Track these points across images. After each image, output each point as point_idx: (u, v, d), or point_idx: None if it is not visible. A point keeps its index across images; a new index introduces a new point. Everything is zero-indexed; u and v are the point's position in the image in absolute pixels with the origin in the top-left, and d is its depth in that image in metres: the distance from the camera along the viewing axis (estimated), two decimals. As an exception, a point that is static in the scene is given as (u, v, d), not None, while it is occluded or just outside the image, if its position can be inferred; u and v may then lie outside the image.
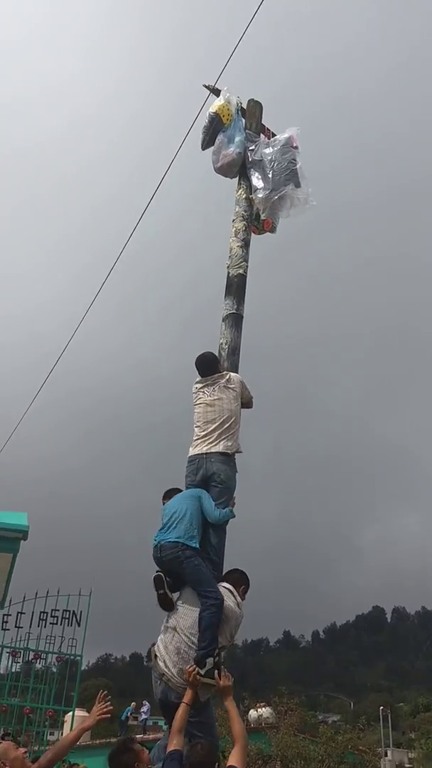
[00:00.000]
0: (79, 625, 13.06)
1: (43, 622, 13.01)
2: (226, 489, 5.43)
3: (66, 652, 13.16)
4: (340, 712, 66.52)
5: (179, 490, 5.58)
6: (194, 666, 4.60)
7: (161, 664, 4.80)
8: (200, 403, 5.74)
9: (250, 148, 6.94)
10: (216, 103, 7.10)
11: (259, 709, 23.25)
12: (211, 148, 7.09)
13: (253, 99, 7.44)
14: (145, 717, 26.90)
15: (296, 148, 6.95)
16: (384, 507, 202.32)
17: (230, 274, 6.60)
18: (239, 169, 7.02)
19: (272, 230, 7.11)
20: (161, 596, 5.02)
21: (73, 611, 13.08)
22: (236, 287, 6.53)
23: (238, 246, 6.68)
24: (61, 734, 14.02)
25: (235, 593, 5.06)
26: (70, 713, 13.46)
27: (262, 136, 7.16)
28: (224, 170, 7.04)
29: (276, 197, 6.73)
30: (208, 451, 5.50)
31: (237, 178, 7.09)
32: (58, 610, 13.06)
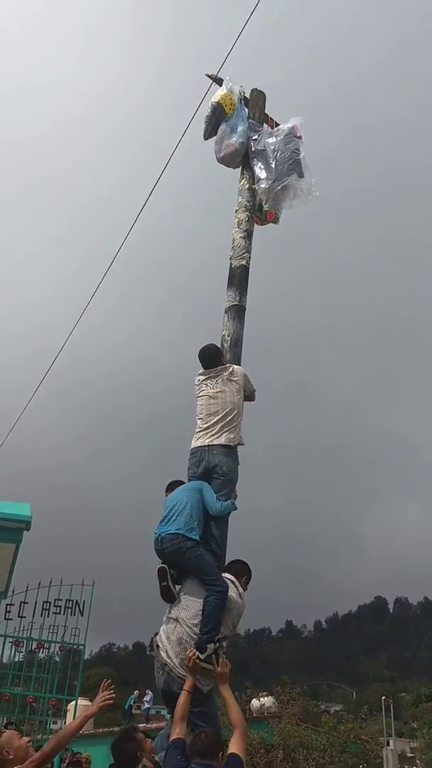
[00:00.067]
0: (81, 615, 13.11)
1: (46, 611, 13.06)
2: (228, 481, 5.41)
3: (69, 641, 13.21)
4: (343, 701, 66.85)
5: (182, 482, 5.57)
6: (194, 651, 4.62)
7: (163, 654, 4.81)
8: (203, 396, 5.73)
9: (253, 137, 6.89)
10: (218, 93, 7.05)
11: (261, 699, 23.33)
12: (214, 138, 7.04)
13: (256, 88, 7.38)
14: (148, 706, 27.03)
15: (300, 138, 6.89)
16: (386, 496, 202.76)
17: (233, 266, 6.57)
18: (242, 159, 6.98)
19: (275, 221, 7.07)
20: (164, 588, 5.03)
21: (76, 601, 13.13)
22: (239, 278, 6.49)
23: (240, 237, 6.65)
24: (64, 723, 14.10)
25: (237, 584, 5.07)
26: (73, 702, 13.53)
27: (265, 125, 7.11)
28: (227, 160, 7.00)
29: (279, 187, 6.69)
30: (211, 444, 5.49)
31: (240, 168, 7.05)
32: (61, 600, 13.11)
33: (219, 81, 7.20)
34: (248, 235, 6.67)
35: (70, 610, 13.09)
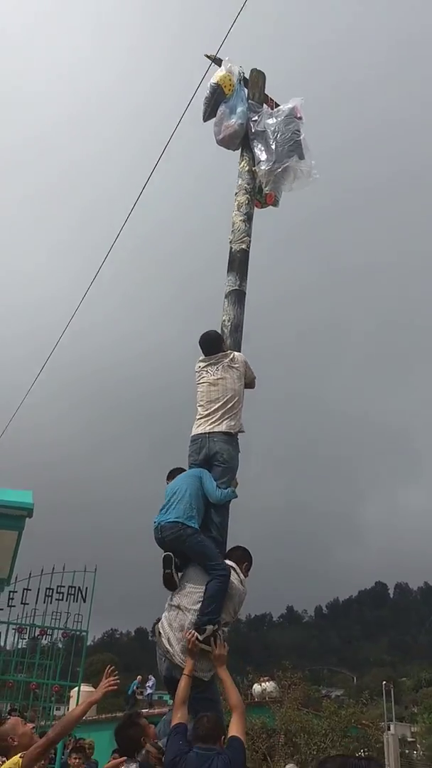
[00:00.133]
0: (84, 601, 13.14)
1: (49, 598, 13.08)
2: (229, 469, 5.39)
3: (72, 627, 13.25)
4: (344, 686, 67.22)
5: (183, 470, 5.55)
6: (193, 631, 4.61)
7: (165, 641, 4.81)
8: (203, 383, 5.69)
9: (253, 118, 6.81)
10: (217, 74, 6.95)
11: (262, 684, 23.49)
12: (213, 120, 6.95)
13: (255, 68, 7.28)
14: (151, 691, 27.23)
15: (300, 118, 6.80)
16: (387, 482, 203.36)
17: (233, 250, 6.50)
18: (242, 140, 6.89)
19: (275, 204, 6.97)
20: (167, 576, 5.01)
21: (79, 587, 13.15)
22: (239, 263, 6.43)
23: (240, 220, 6.58)
24: (67, 709, 14.17)
25: (239, 570, 5.06)
26: (76, 688, 13.59)
27: (265, 106, 7.01)
28: (226, 142, 6.91)
29: (279, 170, 6.61)
30: (211, 431, 5.46)
31: (239, 150, 6.97)
32: (64, 587, 13.13)
33: (218, 61, 7.09)
34: (248, 219, 6.60)
35: (72, 596, 13.12)
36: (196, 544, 4.99)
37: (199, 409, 5.63)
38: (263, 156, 6.65)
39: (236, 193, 6.75)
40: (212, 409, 5.53)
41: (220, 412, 5.50)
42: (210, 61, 7.11)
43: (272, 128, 6.71)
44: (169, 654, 4.74)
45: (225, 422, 5.47)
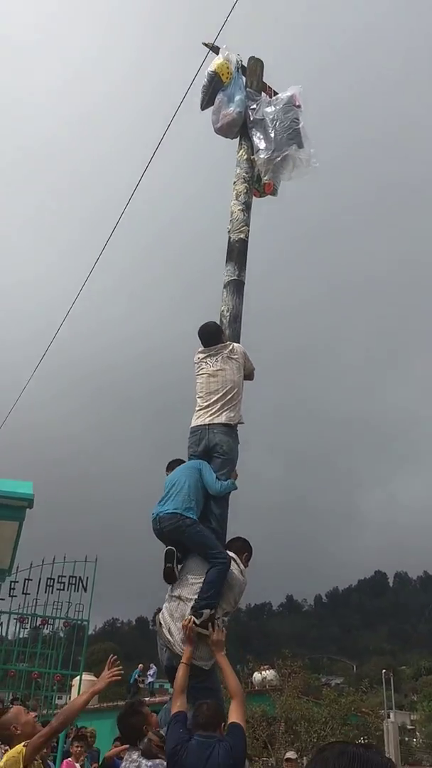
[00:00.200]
0: (85, 591, 13.18)
1: (50, 588, 13.12)
2: (229, 460, 5.38)
3: (73, 617, 13.30)
4: (343, 675, 67.57)
5: (182, 461, 5.54)
6: (191, 617, 4.62)
7: (166, 632, 4.82)
8: (203, 374, 5.67)
9: (252, 107, 6.75)
10: (215, 62, 6.90)
11: (263, 672, 23.61)
12: (211, 108, 6.91)
13: (253, 56, 7.23)
14: (152, 680, 27.38)
15: (299, 107, 6.75)
16: (386, 471, 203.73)
17: (231, 239, 6.46)
18: (240, 129, 6.84)
19: (273, 193, 6.93)
20: (168, 569, 4.99)
21: (80, 577, 13.19)
22: (237, 253, 6.39)
23: (239, 209, 6.53)
24: (69, 698, 14.25)
25: (239, 561, 5.07)
26: (78, 677, 13.66)
27: (263, 94, 6.96)
28: (224, 131, 6.87)
29: (278, 158, 6.56)
30: (211, 422, 5.44)
31: (238, 138, 6.91)
32: (65, 577, 13.16)
33: (216, 49, 7.04)
34: (247, 208, 6.56)
35: (73, 586, 13.16)
36: (195, 534, 5.00)
37: (199, 400, 5.60)
38: (262, 144, 6.60)
39: (234, 182, 6.70)
40: (212, 400, 5.51)
41: (219, 404, 5.48)
42: (208, 49, 7.05)
43: (271, 116, 6.66)
44: (170, 644, 4.75)
45: (225, 414, 5.45)
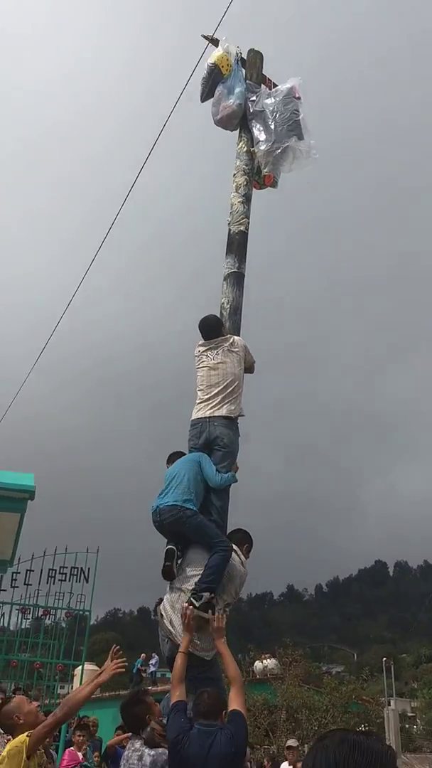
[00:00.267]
0: (87, 582, 13.24)
1: (52, 579, 13.17)
2: (229, 453, 5.40)
3: (74, 607, 13.36)
4: (344, 663, 67.91)
5: (182, 454, 5.56)
6: (189, 605, 4.63)
7: (167, 623, 4.85)
8: (203, 367, 5.67)
9: (251, 99, 6.74)
10: (215, 54, 6.88)
11: (264, 661, 23.75)
12: (211, 100, 6.89)
13: (253, 48, 7.21)
14: (154, 669, 27.52)
15: (299, 98, 6.73)
16: (386, 461, 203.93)
17: (231, 232, 6.45)
18: (240, 121, 6.83)
19: (273, 185, 6.92)
20: (166, 568, 5.01)
21: (81, 568, 13.24)
22: (237, 245, 6.38)
23: (239, 202, 6.52)
24: (71, 688, 14.32)
25: (239, 552, 5.10)
26: (80, 667, 13.74)
27: (263, 86, 6.94)
28: (224, 122, 6.85)
29: (278, 150, 6.55)
30: (212, 415, 5.45)
31: (238, 130, 6.90)
32: (66, 567, 13.21)
33: (215, 42, 7.01)
34: (247, 200, 6.55)
35: (75, 577, 13.22)
36: (196, 524, 5.01)
37: (199, 393, 5.61)
38: (262, 136, 6.58)
39: (234, 174, 6.69)
40: (212, 393, 5.52)
41: (220, 397, 5.49)
42: (207, 42, 7.03)
43: (271, 108, 6.64)
44: (172, 635, 4.78)
45: (225, 406, 5.46)
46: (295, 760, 10.36)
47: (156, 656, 26.63)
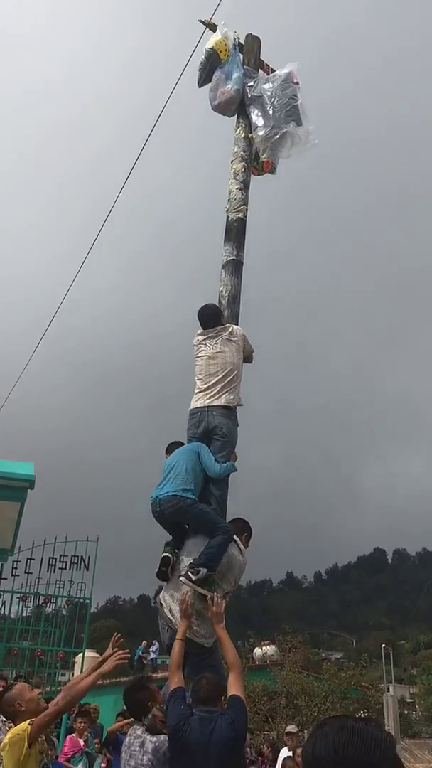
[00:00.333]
0: (87, 570, 13.30)
1: (52, 567, 13.23)
2: (228, 443, 5.38)
3: (75, 595, 13.43)
4: (343, 649, 68.28)
5: (181, 444, 5.54)
6: (188, 594, 4.62)
7: (167, 612, 4.86)
8: (202, 356, 5.64)
9: (249, 84, 6.67)
10: (212, 39, 6.81)
11: (263, 647, 23.90)
12: (208, 86, 6.82)
13: (251, 33, 7.14)
14: (154, 656, 27.70)
15: (297, 84, 6.66)
16: (386, 449, 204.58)
17: (229, 219, 6.39)
18: (238, 106, 6.77)
19: (272, 171, 6.87)
20: (161, 572, 5.01)
21: (81, 556, 13.30)
22: (236, 232, 6.33)
23: (237, 188, 6.47)
24: (72, 675, 14.40)
25: (239, 541, 5.10)
26: (80, 654, 13.82)
27: (261, 71, 6.88)
28: (222, 108, 6.79)
29: (277, 136, 6.49)
30: (210, 405, 5.43)
31: (235, 116, 6.84)
32: (67, 556, 13.27)
33: (213, 27, 6.94)
34: (245, 187, 6.49)
35: (75, 565, 13.28)
36: (197, 512, 5.01)
37: (198, 382, 5.58)
38: (260, 122, 6.52)
39: (232, 161, 6.63)
40: (211, 382, 5.49)
41: (219, 386, 5.46)
42: (205, 27, 6.96)
43: (269, 93, 6.57)
44: (172, 624, 4.78)
45: (224, 396, 5.44)
46: (294, 745, 10.42)
47: (156, 643, 26.76)
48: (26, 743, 3.91)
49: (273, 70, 6.93)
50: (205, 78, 6.82)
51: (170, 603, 4.87)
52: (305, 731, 14.87)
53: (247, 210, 6.44)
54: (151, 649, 27.61)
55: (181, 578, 4.75)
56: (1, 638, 12.90)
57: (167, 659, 4.73)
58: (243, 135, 6.68)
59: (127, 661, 4.66)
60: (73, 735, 9.61)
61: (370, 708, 20.71)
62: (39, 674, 13.41)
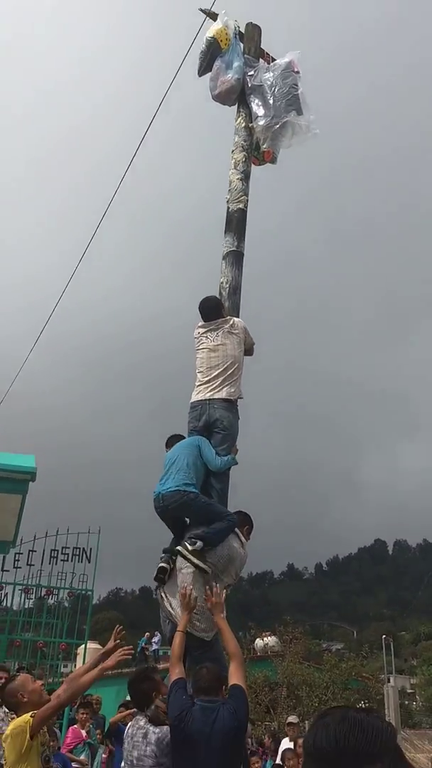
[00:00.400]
0: (89, 562, 13.34)
1: (54, 559, 13.26)
2: (229, 436, 5.37)
3: (77, 587, 13.47)
4: (344, 640, 68.59)
5: (182, 437, 5.53)
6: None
7: (167, 605, 4.88)
8: (203, 349, 5.62)
9: (250, 73, 6.62)
10: (213, 28, 6.76)
11: (265, 638, 24.00)
12: (209, 75, 6.78)
13: (251, 22, 7.09)
14: (156, 647, 27.82)
15: (298, 72, 6.62)
16: (386, 441, 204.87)
17: (230, 209, 6.36)
18: (238, 96, 6.72)
19: (273, 161, 6.82)
20: (159, 578, 5.02)
21: (83, 548, 13.32)
22: (236, 223, 6.30)
23: (237, 179, 6.43)
24: (74, 666, 14.45)
25: (240, 534, 5.10)
26: (83, 646, 13.87)
27: (261, 60, 6.83)
28: (222, 98, 6.74)
29: (277, 126, 6.45)
30: (211, 398, 5.41)
31: (236, 105, 6.79)
32: (69, 548, 13.29)
33: (213, 15, 6.89)
34: (246, 177, 6.45)
35: (77, 557, 13.31)
36: (202, 505, 5.02)
37: (199, 375, 5.56)
38: (260, 111, 6.47)
39: (233, 151, 6.59)
40: (212, 375, 5.48)
41: (220, 379, 5.45)
42: (205, 15, 6.91)
43: (269, 82, 6.51)
44: (172, 616, 4.80)
45: (225, 389, 5.42)
46: (295, 736, 10.47)
47: (158, 634, 26.85)
48: (28, 735, 3.92)
49: (273, 59, 6.88)
50: (205, 67, 6.78)
51: (170, 596, 4.88)
52: (306, 722, 14.93)
53: (247, 200, 6.41)
54: (153, 640, 27.72)
55: (179, 547, 4.77)
56: (4, 630, 12.94)
57: (169, 650, 4.74)
58: (243, 125, 6.64)
59: (129, 656, 4.67)
60: (75, 726, 9.66)
61: (370, 699, 20.79)
62: (41, 666, 13.48)
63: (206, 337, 5.66)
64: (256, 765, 10.56)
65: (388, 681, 22.91)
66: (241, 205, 6.35)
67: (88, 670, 4.62)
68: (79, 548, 13.33)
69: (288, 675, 20.25)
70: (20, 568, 13.09)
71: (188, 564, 4.82)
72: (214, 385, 5.44)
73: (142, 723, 4.30)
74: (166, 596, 4.91)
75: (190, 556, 4.69)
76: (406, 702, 31.96)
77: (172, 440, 5.59)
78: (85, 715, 9.60)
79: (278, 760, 10.00)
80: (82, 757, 9.13)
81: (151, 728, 4.21)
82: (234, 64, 6.61)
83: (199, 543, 4.74)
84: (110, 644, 4.71)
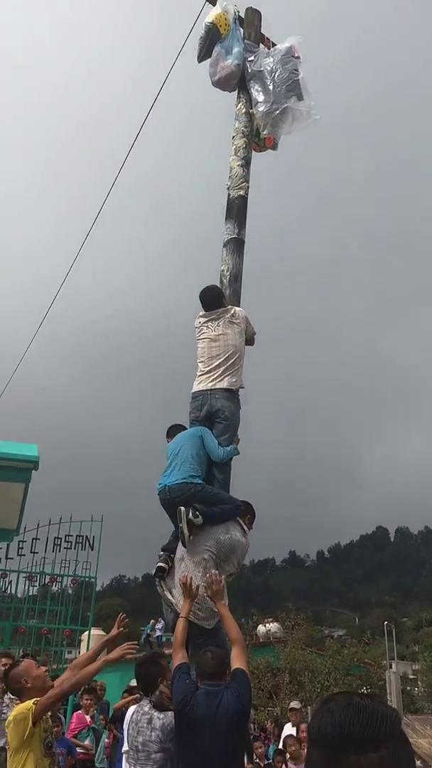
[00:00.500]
0: (92, 549, 13.40)
1: (58, 547, 13.34)
2: (230, 425, 5.36)
3: (80, 574, 13.55)
4: (346, 626, 69.00)
5: (182, 427, 5.52)
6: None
7: (169, 594, 4.90)
8: (204, 338, 5.59)
9: (250, 59, 6.55)
10: (212, 13, 6.69)
11: (267, 625, 24.12)
12: (208, 60, 6.71)
13: (251, 7, 7.02)
14: (160, 634, 27.99)
15: (298, 58, 6.54)
16: (388, 429, 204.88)
17: (231, 196, 6.31)
18: (238, 81, 6.65)
19: (273, 147, 6.76)
20: (158, 575, 5.06)
21: (86, 536, 13.39)
22: (237, 210, 6.25)
23: (238, 165, 6.37)
24: (78, 653, 14.54)
25: (242, 523, 5.11)
26: (86, 632, 13.96)
27: (261, 46, 6.76)
28: (222, 83, 6.68)
29: (278, 111, 6.38)
30: (213, 387, 5.39)
31: (236, 91, 6.73)
32: (72, 536, 13.37)
33: (213, 0, 6.82)
34: (246, 163, 6.40)
35: (80, 545, 13.38)
36: (209, 495, 5.02)
37: (200, 365, 5.54)
38: (261, 97, 6.41)
39: (233, 137, 6.53)
40: (213, 365, 5.45)
41: (221, 369, 5.42)
42: (205, 0, 6.84)
43: (269, 68, 6.45)
44: (173, 605, 4.83)
45: (226, 379, 5.40)
46: (298, 721, 10.54)
47: (162, 621, 27.00)
48: (30, 722, 3.96)
49: (274, 44, 6.81)
50: (205, 53, 6.70)
51: (171, 584, 4.90)
52: (308, 707, 15.03)
53: (248, 187, 6.35)
54: (157, 626, 27.89)
55: (181, 507, 4.80)
56: (8, 617, 13.04)
57: (172, 637, 4.77)
58: (244, 111, 6.57)
59: (133, 655, 4.70)
60: (79, 711, 9.74)
61: (372, 684, 20.91)
62: (45, 652, 13.55)
63: (207, 326, 5.63)
64: (259, 750, 10.65)
65: (390, 667, 23.00)
66: (241, 192, 6.30)
67: (91, 656, 4.65)
68: (82, 536, 13.41)
69: (290, 661, 20.37)
70: (24, 555, 13.19)
71: (188, 555, 4.84)
72: (216, 375, 5.42)
73: (146, 708, 4.33)
74: (167, 588, 4.93)
75: (184, 518, 4.73)
76: (408, 688, 32.12)
77: (173, 430, 5.57)
78: (89, 701, 9.68)
79: (280, 746, 10.07)
80: (86, 742, 9.22)
81: (155, 714, 4.23)
82: (234, 50, 6.54)
83: (199, 518, 4.75)
84: (114, 632, 4.74)
